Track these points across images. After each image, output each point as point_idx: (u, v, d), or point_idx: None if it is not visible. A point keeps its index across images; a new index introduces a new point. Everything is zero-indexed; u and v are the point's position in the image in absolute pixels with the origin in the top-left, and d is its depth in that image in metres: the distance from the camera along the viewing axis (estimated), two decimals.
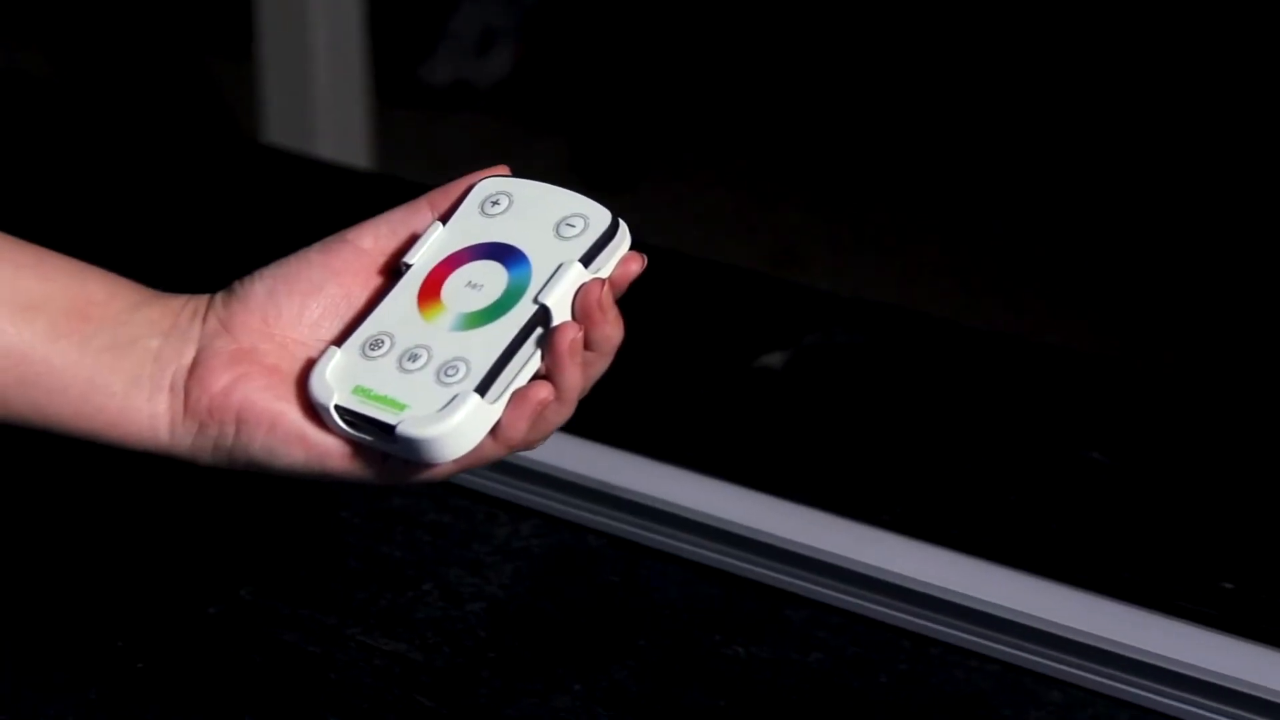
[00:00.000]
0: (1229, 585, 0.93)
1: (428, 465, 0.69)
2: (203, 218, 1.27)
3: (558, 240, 0.70)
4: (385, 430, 0.68)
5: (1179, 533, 0.97)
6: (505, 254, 0.71)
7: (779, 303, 1.19)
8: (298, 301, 0.71)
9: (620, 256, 0.71)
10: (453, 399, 0.68)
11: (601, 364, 0.71)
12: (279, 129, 2.23)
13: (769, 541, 0.94)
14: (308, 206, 1.29)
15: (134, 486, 0.99)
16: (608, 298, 0.69)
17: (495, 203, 0.72)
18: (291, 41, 2.20)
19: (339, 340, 0.71)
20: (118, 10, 2.83)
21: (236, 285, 0.72)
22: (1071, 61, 2.72)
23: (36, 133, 1.38)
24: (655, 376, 1.09)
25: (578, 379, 0.69)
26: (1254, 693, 0.85)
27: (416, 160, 2.61)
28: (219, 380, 0.70)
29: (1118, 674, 0.87)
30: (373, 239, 0.72)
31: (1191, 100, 2.64)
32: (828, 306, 1.17)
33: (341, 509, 0.97)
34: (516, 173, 0.74)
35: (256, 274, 0.72)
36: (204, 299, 0.73)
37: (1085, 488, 1.01)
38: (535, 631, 0.91)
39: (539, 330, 0.69)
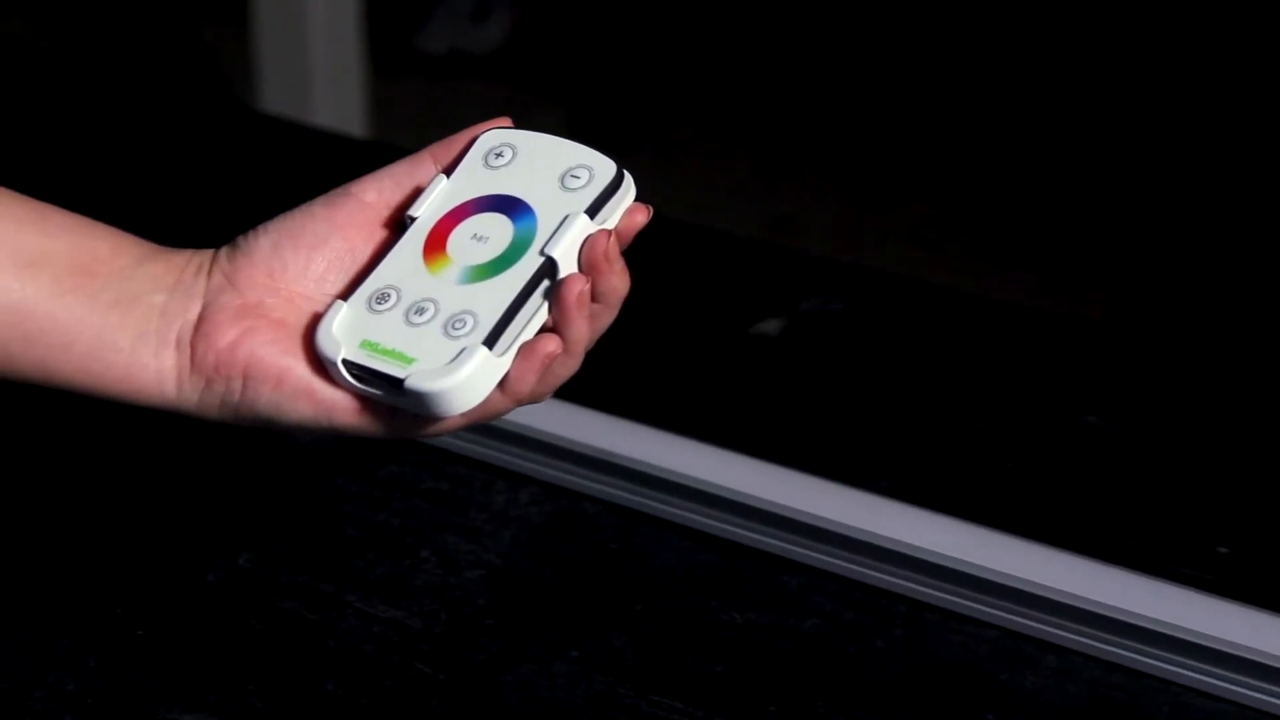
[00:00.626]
0: (1224, 550, 0.93)
1: (436, 419, 0.69)
2: (200, 186, 1.27)
3: (563, 192, 0.70)
4: (394, 384, 0.68)
5: (1175, 497, 0.97)
6: (510, 206, 0.71)
7: (775, 269, 1.19)
8: (303, 255, 0.71)
9: (626, 207, 0.70)
10: (461, 352, 0.68)
11: (608, 316, 0.70)
12: (275, 97, 2.23)
13: (766, 508, 0.94)
14: (304, 175, 1.29)
15: (132, 454, 0.99)
16: (614, 249, 0.69)
17: (499, 154, 0.72)
18: (287, 9, 2.19)
19: (345, 294, 0.70)
20: None
21: (240, 240, 0.72)
22: (1060, 34, 2.71)
23: (33, 101, 1.37)
24: (652, 343, 1.09)
25: (585, 331, 0.69)
26: (1250, 656, 0.86)
27: (413, 129, 2.60)
28: (225, 335, 0.70)
29: (1114, 638, 0.87)
30: (376, 192, 0.72)
31: (1177, 69, 2.64)
32: (824, 273, 1.17)
33: (339, 476, 0.98)
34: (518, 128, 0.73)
35: (260, 228, 0.72)
36: (208, 254, 0.72)
37: (1081, 452, 1.01)
38: (533, 598, 0.91)
39: (546, 282, 0.69)
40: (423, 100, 2.76)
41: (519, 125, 0.73)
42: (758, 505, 0.94)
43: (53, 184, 1.26)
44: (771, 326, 1.11)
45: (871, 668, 0.88)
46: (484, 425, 0.93)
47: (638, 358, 1.07)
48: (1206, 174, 2.56)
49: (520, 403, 0.70)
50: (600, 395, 0.99)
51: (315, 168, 1.30)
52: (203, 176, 1.28)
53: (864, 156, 2.69)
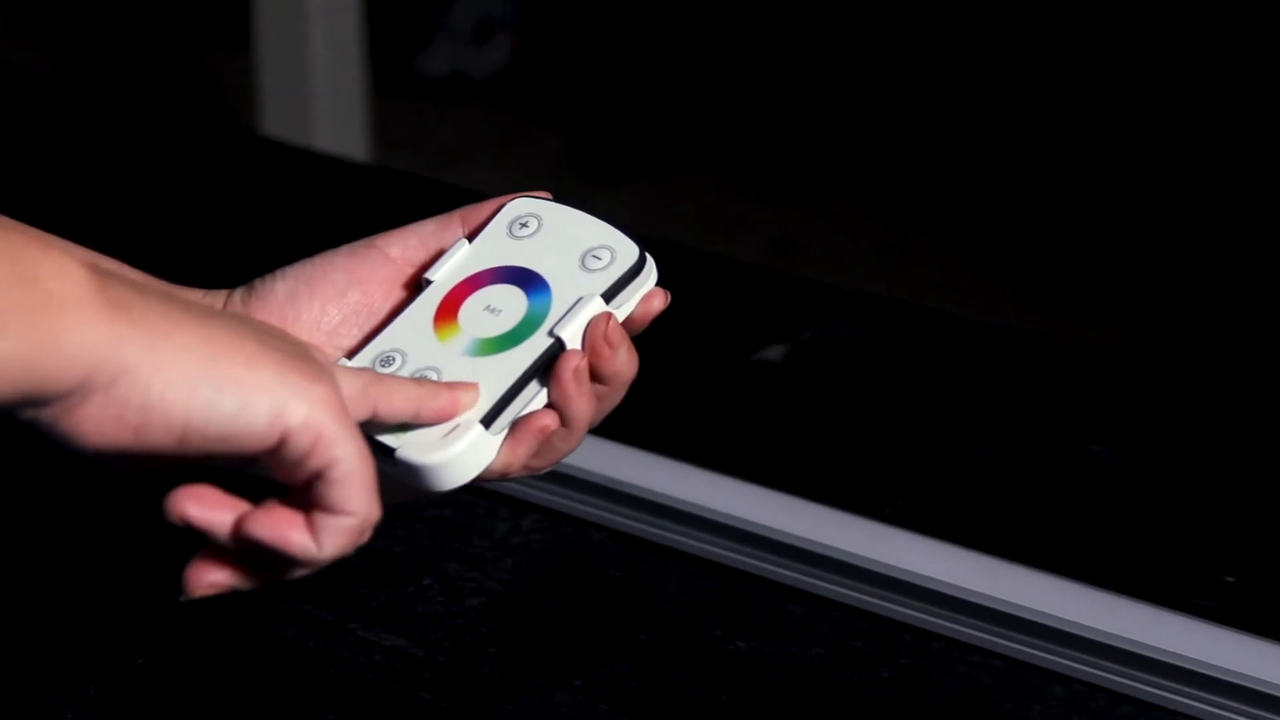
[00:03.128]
0: (1231, 579, 0.93)
1: (428, 492, 0.68)
2: (202, 210, 1.27)
3: (582, 271, 0.69)
4: (385, 452, 0.67)
5: (1181, 526, 0.97)
6: (527, 280, 0.69)
7: (778, 296, 1.18)
8: (318, 306, 0.70)
9: (645, 293, 0.70)
10: (456, 428, 0.66)
11: (613, 397, 0.69)
12: (277, 121, 2.23)
13: (770, 536, 0.93)
14: (306, 198, 1.29)
15: (135, 480, 0.99)
16: (616, 332, 0.68)
17: (524, 225, 0.71)
18: (289, 33, 2.19)
19: (353, 352, 0.70)
20: (116, 3, 2.83)
21: (257, 283, 0.71)
22: (1060, 55, 2.71)
23: (35, 126, 1.37)
24: (656, 370, 1.08)
25: (584, 409, 0.68)
26: (1257, 687, 0.85)
27: (414, 152, 2.61)
28: None
29: (1120, 669, 0.87)
30: (401, 248, 0.71)
31: (1184, 91, 2.63)
32: (828, 300, 1.17)
33: None
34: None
35: (279, 273, 0.70)
36: (221, 294, 0.71)
37: (1087, 481, 1.00)
38: (536, 626, 0.90)
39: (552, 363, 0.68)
40: (424, 123, 2.76)
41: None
42: (762, 533, 0.93)
43: (55, 209, 1.26)
44: (775, 353, 1.11)
45: (876, 697, 0.87)
46: None
47: (642, 384, 1.06)
48: (1213, 199, 2.56)
49: (512, 475, 0.69)
50: (605, 423, 0.99)
51: (317, 192, 1.30)
52: (204, 200, 1.28)
53: (865, 179, 2.69)
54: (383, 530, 0.95)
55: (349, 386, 0.65)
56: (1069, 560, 0.93)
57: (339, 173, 1.38)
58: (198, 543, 0.96)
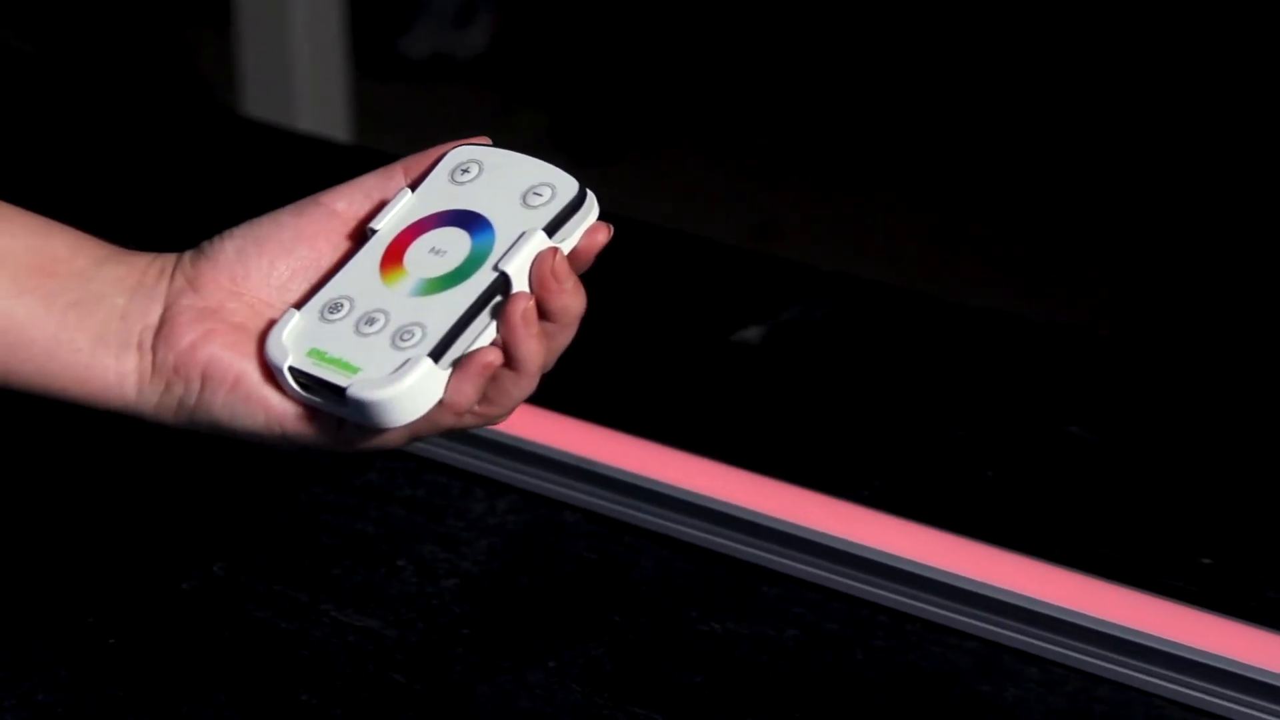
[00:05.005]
0: (1208, 561, 0.93)
1: (380, 430, 0.69)
2: (182, 190, 1.26)
3: (524, 209, 0.70)
4: (337, 393, 0.68)
5: (1158, 508, 0.97)
6: (470, 221, 0.71)
7: (757, 276, 1.18)
8: (266, 262, 0.71)
9: (587, 226, 0.70)
10: (405, 363, 0.68)
11: (563, 335, 0.70)
12: (258, 101, 2.22)
13: (746, 517, 0.93)
14: (287, 180, 1.28)
15: (106, 460, 0.98)
16: (563, 266, 0.68)
17: (465, 170, 0.72)
18: (270, 12, 2.18)
19: (301, 303, 0.71)
20: None
21: (205, 245, 0.72)
22: (1040, 36, 2.71)
23: (13, 104, 1.36)
24: (632, 351, 1.08)
25: (534, 349, 0.68)
26: (1234, 670, 0.85)
27: (396, 133, 2.60)
28: (185, 337, 0.70)
29: (1096, 651, 0.86)
30: (346, 203, 0.72)
31: (1158, 71, 2.64)
32: (806, 280, 1.17)
33: (315, 484, 0.97)
34: (496, 145, 0.73)
35: (226, 233, 0.72)
36: (171, 257, 0.72)
37: (1064, 462, 1.00)
38: (510, 608, 0.90)
39: (498, 298, 0.69)
40: (406, 105, 2.75)
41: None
42: (737, 514, 0.93)
43: (31, 187, 1.25)
44: (752, 334, 1.10)
45: (851, 679, 0.87)
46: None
47: (617, 365, 1.06)
48: (1189, 176, 2.56)
49: (461, 417, 0.69)
50: (579, 403, 0.98)
51: (298, 173, 1.29)
52: (184, 181, 1.27)
53: (849, 161, 2.68)
54: (357, 510, 0.95)
55: None
56: (1046, 542, 0.92)
57: (320, 153, 1.38)
58: (172, 527, 0.95)
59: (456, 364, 0.68)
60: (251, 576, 0.91)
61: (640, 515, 0.95)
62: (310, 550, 0.93)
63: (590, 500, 0.96)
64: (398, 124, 2.65)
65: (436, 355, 0.68)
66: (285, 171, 1.30)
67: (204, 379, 0.70)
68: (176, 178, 1.28)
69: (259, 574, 0.91)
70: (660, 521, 0.94)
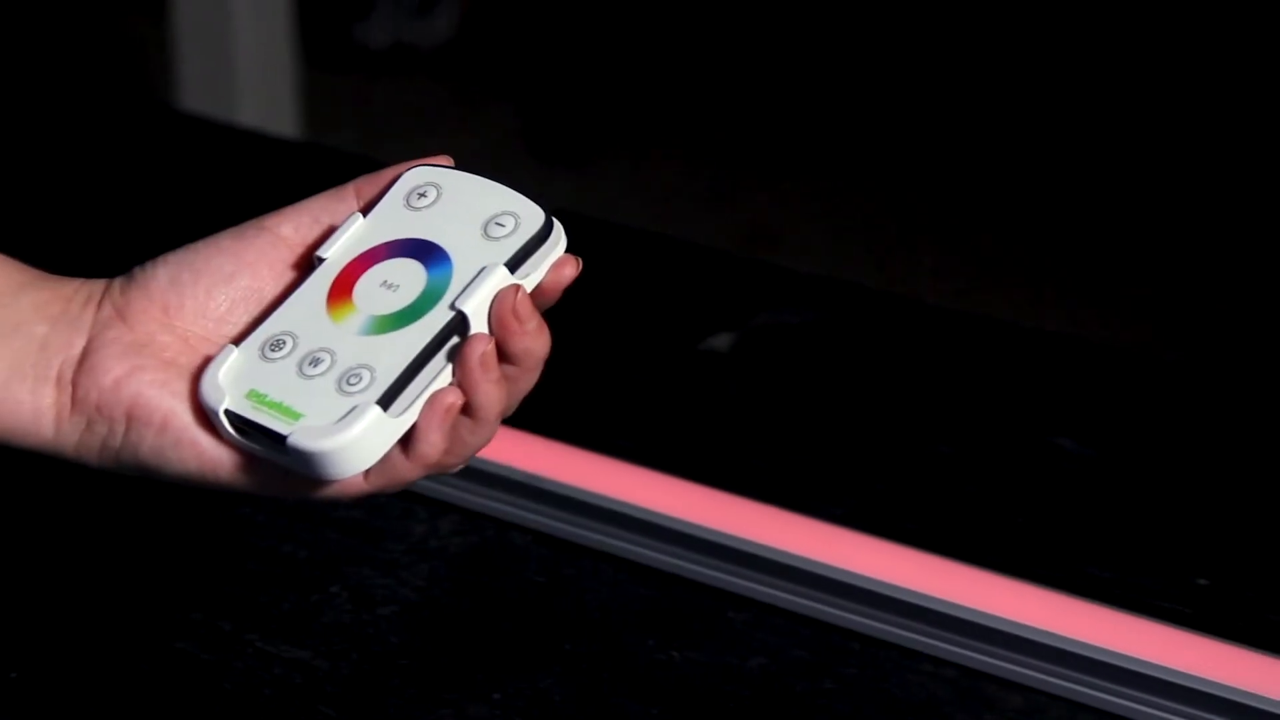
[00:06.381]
0: (1204, 582, 0.94)
1: (328, 481, 0.68)
2: (115, 191, 1.27)
3: (485, 240, 0.69)
4: (277, 440, 0.67)
5: (1151, 526, 0.98)
6: (426, 252, 0.70)
7: (728, 280, 1.19)
8: (203, 291, 0.70)
9: (553, 260, 0.70)
10: (351, 410, 0.67)
11: (525, 380, 0.69)
12: (198, 94, 2.23)
13: (707, 537, 0.94)
14: (230, 179, 1.29)
15: (13, 478, 0.99)
16: (525, 305, 0.68)
17: (422, 194, 0.71)
18: None
19: (240, 338, 0.70)
20: None
21: (137, 271, 0.71)
22: (1032, 39, 2.73)
23: None
24: (589, 360, 1.09)
25: (494, 396, 0.68)
26: (1230, 696, 0.86)
27: (351, 129, 2.61)
28: (110, 372, 0.69)
29: (1082, 677, 0.87)
30: (292, 227, 0.71)
31: (1151, 70, 2.66)
32: (782, 284, 1.17)
33: (242, 505, 0.97)
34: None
35: (160, 259, 0.71)
36: (100, 284, 0.72)
37: (1052, 478, 1.01)
38: (452, 636, 0.91)
39: (455, 339, 0.68)
40: (362, 98, 2.76)
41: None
42: (699, 535, 0.94)
43: None
44: (721, 341, 1.11)
45: (821, 709, 0.87)
46: None
47: (573, 375, 1.06)
48: (1187, 185, 2.58)
49: (429, 467, 0.69)
50: (530, 417, 0.99)
51: (242, 172, 1.30)
52: (118, 181, 1.28)
53: (836, 164, 2.70)
54: (287, 533, 0.96)
55: None
56: (1031, 563, 0.93)
57: (265, 150, 1.39)
58: (81, 552, 0.96)
59: (425, 405, 0.67)
60: (170, 604, 0.92)
61: (593, 536, 0.95)
62: (235, 576, 0.94)
63: (540, 520, 0.96)
64: (353, 119, 2.66)
65: (385, 402, 0.67)
66: (226, 171, 1.30)
67: (129, 419, 0.69)
68: (109, 177, 1.28)
69: (178, 602, 0.92)
70: (615, 542, 0.95)
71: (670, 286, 1.18)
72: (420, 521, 0.97)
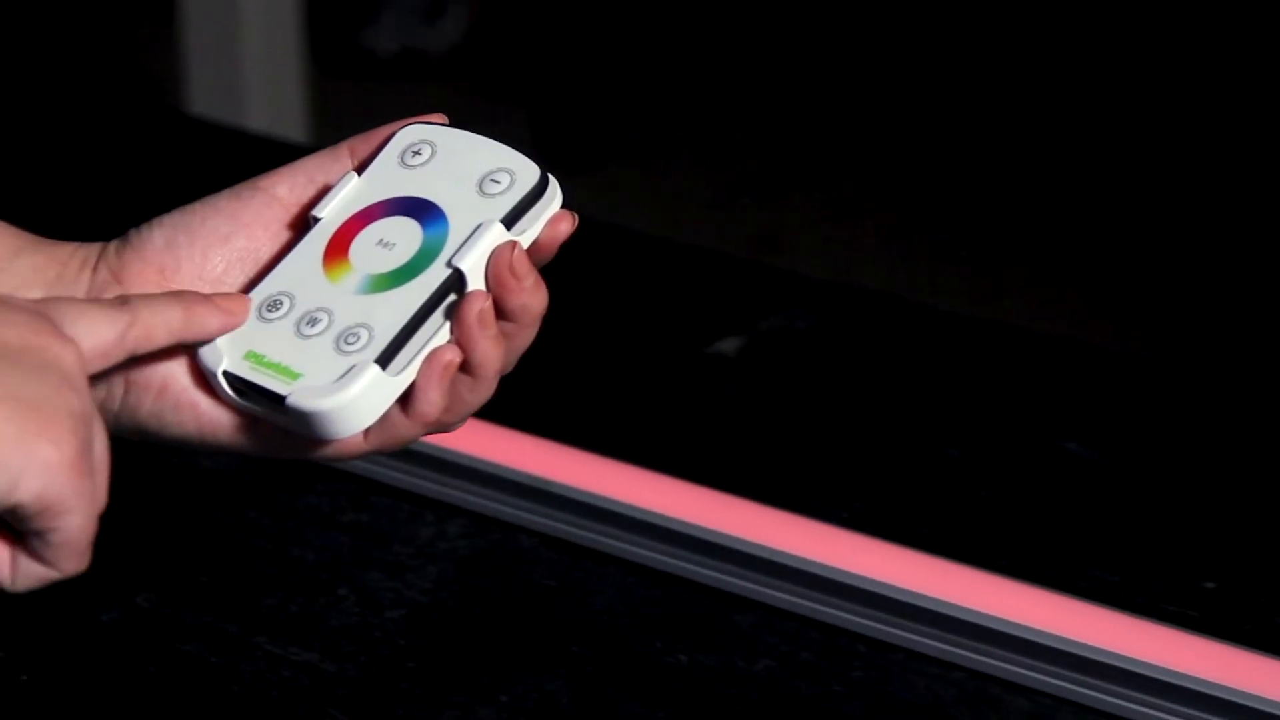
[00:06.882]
0: (1211, 585, 0.94)
1: (323, 441, 0.68)
2: (124, 196, 1.27)
3: (480, 197, 0.70)
4: (275, 401, 0.68)
5: (1159, 529, 0.98)
6: (422, 210, 0.70)
7: (736, 284, 1.19)
8: (199, 253, 0.70)
9: (549, 216, 0.70)
10: (350, 369, 0.67)
11: (523, 336, 0.69)
12: (206, 99, 2.23)
13: (716, 541, 0.94)
14: (236, 182, 1.29)
15: None
16: (522, 262, 0.68)
17: (416, 153, 0.71)
18: (219, 1, 2.20)
19: None
20: None
21: (132, 233, 0.71)
22: (1035, 47, 2.73)
23: None
24: (597, 364, 1.09)
25: (492, 353, 0.68)
26: (1237, 699, 0.86)
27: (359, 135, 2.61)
28: None
29: (1089, 680, 0.87)
30: (287, 187, 0.72)
31: (1152, 76, 2.66)
32: (788, 288, 1.18)
33: (250, 508, 0.98)
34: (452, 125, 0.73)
35: (155, 221, 0.71)
36: (95, 247, 0.72)
37: (1060, 481, 1.01)
38: (460, 639, 0.91)
39: (452, 297, 0.68)
40: (370, 103, 2.76)
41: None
42: (707, 538, 0.94)
43: None
44: (729, 345, 1.11)
45: (828, 712, 0.88)
46: (408, 451, 0.94)
47: (580, 379, 1.07)
48: (1191, 190, 2.58)
49: (429, 425, 0.69)
50: (538, 420, 0.99)
51: (249, 176, 1.30)
52: (127, 186, 1.28)
53: (846, 171, 2.70)
54: (295, 536, 0.96)
55: (102, 336, 0.65)
56: (1038, 566, 0.93)
57: (273, 155, 1.39)
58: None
59: (424, 363, 0.68)
60: (178, 607, 0.92)
61: (602, 539, 0.96)
62: (244, 579, 0.94)
63: (548, 523, 0.97)
64: (361, 125, 2.66)
65: (384, 361, 0.67)
66: (235, 176, 1.30)
67: (127, 382, 0.69)
68: (119, 181, 1.29)
69: (186, 604, 0.92)
70: (623, 545, 0.95)
71: (679, 291, 1.19)
72: (428, 524, 0.98)
